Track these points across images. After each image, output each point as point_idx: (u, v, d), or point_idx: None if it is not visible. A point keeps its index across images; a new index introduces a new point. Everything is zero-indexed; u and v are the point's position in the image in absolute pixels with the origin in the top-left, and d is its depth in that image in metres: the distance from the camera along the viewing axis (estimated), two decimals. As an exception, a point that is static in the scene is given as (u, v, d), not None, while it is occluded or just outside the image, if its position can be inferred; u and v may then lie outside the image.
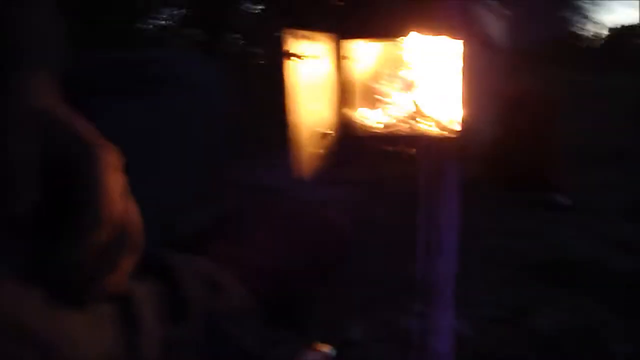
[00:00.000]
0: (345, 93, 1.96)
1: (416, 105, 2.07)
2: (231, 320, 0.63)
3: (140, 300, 0.53)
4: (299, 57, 1.65)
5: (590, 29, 22.68)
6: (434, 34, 1.83)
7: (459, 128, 1.91)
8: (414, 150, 1.89)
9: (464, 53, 1.75)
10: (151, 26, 7.19)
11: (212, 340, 0.61)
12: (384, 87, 2.19)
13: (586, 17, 18.46)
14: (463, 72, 1.76)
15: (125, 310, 0.51)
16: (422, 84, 2.11)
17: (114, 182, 0.44)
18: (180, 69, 0.83)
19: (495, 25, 2.06)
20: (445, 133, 1.98)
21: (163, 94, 0.76)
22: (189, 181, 0.82)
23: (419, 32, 1.82)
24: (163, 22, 7.34)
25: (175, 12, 7.31)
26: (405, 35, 2.01)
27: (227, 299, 0.66)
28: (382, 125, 2.10)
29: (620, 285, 2.10)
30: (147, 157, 0.73)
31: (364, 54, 2.13)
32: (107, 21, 6.34)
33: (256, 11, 7.78)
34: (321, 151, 1.84)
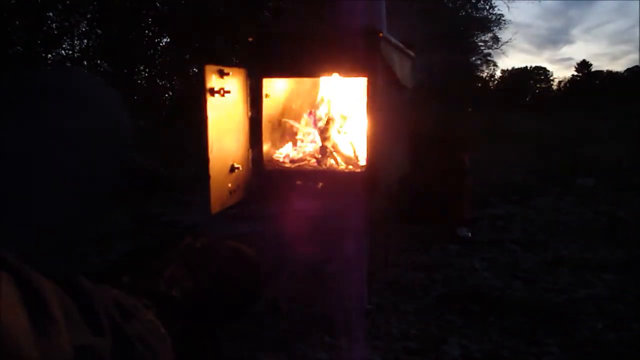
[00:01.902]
0: (257, 129, 1.98)
1: (325, 142, 2.12)
2: (142, 342, 0.62)
3: (49, 296, 0.51)
4: (214, 92, 1.65)
5: (488, 71, 24.10)
6: (345, 74, 1.89)
7: (364, 163, 1.97)
8: (321, 185, 1.93)
9: (368, 89, 1.82)
10: (51, 55, 6.97)
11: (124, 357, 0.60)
12: (295, 123, 2.23)
13: (485, 59, 19.60)
14: (367, 108, 1.82)
15: (32, 298, 0.49)
16: (333, 121, 2.17)
17: None
18: (85, 90, 0.80)
19: (400, 65, 2.15)
20: (351, 168, 2.04)
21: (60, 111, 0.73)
22: (97, 215, 0.80)
23: (332, 72, 1.88)
24: (64, 53, 7.12)
25: (77, 42, 7.11)
26: (319, 75, 2.07)
27: (136, 324, 0.64)
28: (292, 161, 2.14)
29: (523, 313, 2.20)
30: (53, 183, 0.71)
31: (277, 92, 2.17)
32: (8, 51, 6.10)
33: (162, 44, 7.70)
34: (234, 187, 1.84)
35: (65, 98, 0.78)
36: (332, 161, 2.06)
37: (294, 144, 2.19)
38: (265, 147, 2.03)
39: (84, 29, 7.19)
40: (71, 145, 0.76)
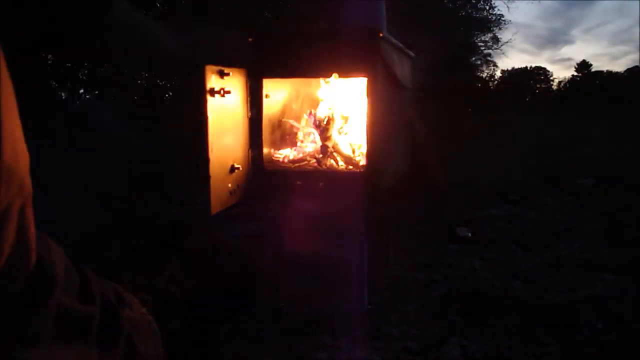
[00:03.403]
0: (257, 129, 1.98)
1: (325, 142, 2.12)
2: (135, 330, 0.63)
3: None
4: (214, 92, 1.65)
5: (488, 71, 24.13)
6: (345, 74, 1.89)
7: (364, 163, 1.97)
8: (321, 185, 1.93)
9: (368, 89, 1.82)
10: (51, 56, 6.96)
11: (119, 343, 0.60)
12: (295, 123, 2.23)
13: (485, 59, 19.61)
14: (367, 108, 1.82)
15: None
16: (333, 121, 2.17)
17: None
18: (82, 109, 0.81)
19: (400, 65, 2.16)
20: (351, 168, 2.04)
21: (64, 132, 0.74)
22: (97, 216, 0.80)
23: (332, 72, 1.88)
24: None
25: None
26: (319, 75, 2.07)
27: (129, 312, 0.65)
28: (292, 161, 2.14)
29: (523, 313, 2.20)
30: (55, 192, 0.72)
31: (277, 92, 2.17)
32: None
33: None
34: (234, 187, 1.84)
35: (92, 128, 0.80)
36: (332, 161, 2.06)
37: (294, 144, 2.19)
38: (265, 147, 2.03)
39: (84, 29, 7.17)
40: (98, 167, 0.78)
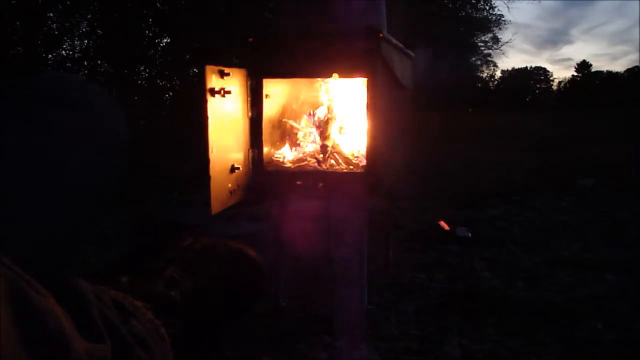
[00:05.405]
0: (257, 129, 1.98)
1: (325, 142, 2.12)
2: (140, 345, 0.62)
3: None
4: (214, 92, 1.65)
5: (488, 71, 24.15)
6: (345, 74, 1.89)
7: (364, 163, 1.97)
8: (321, 185, 1.92)
9: (368, 89, 1.82)
10: (52, 56, 6.96)
11: None
12: (295, 123, 2.23)
13: (485, 59, 19.62)
14: (367, 108, 1.82)
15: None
16: (333, 121, 2.17)
17: None
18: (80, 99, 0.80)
19: (400, 65, 2.15)
20: (352, 168, 2.04)
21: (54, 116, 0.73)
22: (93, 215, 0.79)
23: (332, 72, 1.88)
24: (64, 53, 7.11)
25: (78, 42, 7.11)
26: (319, 76, 2.06)
27: (135, 325, 0.64)
28: (292, 161, 2.14)
29: (523, 313, 2.20)
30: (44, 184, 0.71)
31: (277, 92, 2.16)
32: (8, 51, 6.09)
33: (162, 44, 7.69)
34: (234, 187, 1.84)
35: (60, 102, 0.78)
36: (332, 161, 2.06)
37: (294, 144, 2.19)
38: (266, 147, 2.03)
39: (84, 30, 7.19)
40: (66, 147, 0.76)
